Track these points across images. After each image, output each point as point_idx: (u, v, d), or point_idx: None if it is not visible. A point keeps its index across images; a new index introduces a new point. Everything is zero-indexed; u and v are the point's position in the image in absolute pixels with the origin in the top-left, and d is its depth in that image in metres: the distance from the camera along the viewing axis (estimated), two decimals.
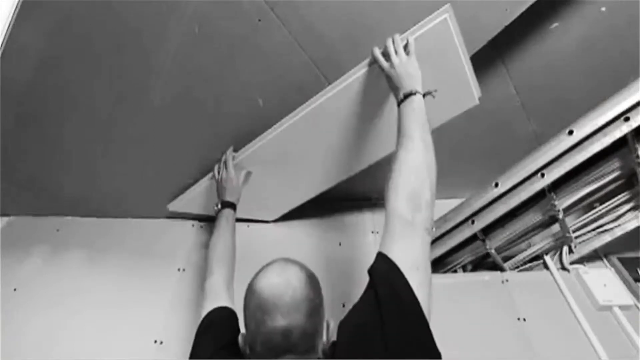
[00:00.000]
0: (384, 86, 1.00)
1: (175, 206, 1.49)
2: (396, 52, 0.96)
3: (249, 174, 1.34)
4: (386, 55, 0.97)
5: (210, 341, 0.80)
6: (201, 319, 0.87)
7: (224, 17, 1.09)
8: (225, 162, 1.29)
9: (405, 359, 0.58)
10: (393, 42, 0.97)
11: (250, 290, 0.68)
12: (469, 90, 1.10)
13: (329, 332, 0.66)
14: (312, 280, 0.67)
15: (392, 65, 0.94)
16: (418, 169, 0.77)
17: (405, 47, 0.97)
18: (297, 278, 0.66)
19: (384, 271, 0.67)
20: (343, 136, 1.22)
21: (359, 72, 1.07)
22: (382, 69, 0.97)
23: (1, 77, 1.17)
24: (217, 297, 0.93)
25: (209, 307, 0.90)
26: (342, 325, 0.66)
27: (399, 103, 0.91)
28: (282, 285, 0.65)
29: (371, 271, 0.69)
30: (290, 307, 0.63)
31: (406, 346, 0.60)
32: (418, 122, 0.85)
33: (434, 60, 1.03)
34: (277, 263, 0.70)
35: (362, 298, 0.68)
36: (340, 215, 1.58)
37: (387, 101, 1.11)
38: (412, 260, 0.67)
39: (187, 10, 1.07)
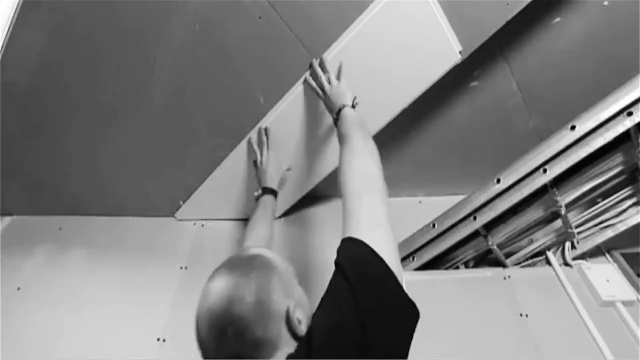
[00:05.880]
0: None
1: (182, 214, 1.52)
2: (329, 81, 1.11)
3: (288, 170, 1.35)
4: (319, 85, 1.13)
5: None
6: None
7: (225, 14, 1.09)
8: (262, 143, 1.29)
9: (381, 324, 0.58)
10: (324, 72, 1.13)
11: None
12: (449, 47, 1.09)
13: (292, 313, 0.62)
14: (236, 289, 0.61)
15: (325, 93, 1.10)
16: (360, 154, 0.85)
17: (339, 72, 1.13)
18: (215, 302, 0.61)
19: (349, 253, 0.69)
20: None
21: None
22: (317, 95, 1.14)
23: (2, 77, 1.18)
24: None
25: None
26: (316, 314, 0.63)
27: (335, 120, 1.04)
28: (203, 317, 0.61)
29: (337, 260, 0.69)
30: (210, 337, 0.60)
31: (380, 318, 0.59)
32: (354, 126, 0.95)
33: (409, 23, 1.06)
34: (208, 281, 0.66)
35: (331, 283, 0.66)
36: (341, 214, 1.57)
37: None
38: (372, 221, 0.72)
39: (187, 9, 1.07)
